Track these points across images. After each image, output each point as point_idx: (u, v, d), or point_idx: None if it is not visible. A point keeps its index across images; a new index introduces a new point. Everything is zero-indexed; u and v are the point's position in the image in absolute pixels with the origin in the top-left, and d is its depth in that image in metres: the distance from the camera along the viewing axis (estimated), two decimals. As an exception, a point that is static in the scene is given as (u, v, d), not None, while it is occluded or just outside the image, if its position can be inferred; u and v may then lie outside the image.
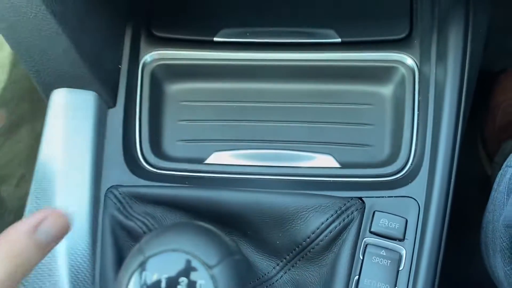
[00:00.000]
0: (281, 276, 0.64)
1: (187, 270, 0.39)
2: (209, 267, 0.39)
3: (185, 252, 0.39)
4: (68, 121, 0.66)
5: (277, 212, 0.62)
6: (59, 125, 0.66)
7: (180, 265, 0.39)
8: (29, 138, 1.27)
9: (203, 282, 0.38)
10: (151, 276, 0.39)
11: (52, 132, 0.66)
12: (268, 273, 0.64)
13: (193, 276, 0.39)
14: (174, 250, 0.39)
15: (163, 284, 0.38)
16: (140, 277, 0.39)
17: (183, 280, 0.38)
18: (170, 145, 0.72)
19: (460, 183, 0.64)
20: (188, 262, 0.39)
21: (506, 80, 1.31)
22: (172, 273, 0.39)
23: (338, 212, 0.61)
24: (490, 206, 0.69)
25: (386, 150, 0.69)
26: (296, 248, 0.62)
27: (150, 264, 0.39)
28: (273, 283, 0.63)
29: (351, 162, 0.68)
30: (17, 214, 1.27)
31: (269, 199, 0.62)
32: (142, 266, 0.39)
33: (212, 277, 0.39)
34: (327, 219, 0.61)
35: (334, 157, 0.68)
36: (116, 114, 0.69)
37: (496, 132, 1.27)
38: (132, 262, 0.40)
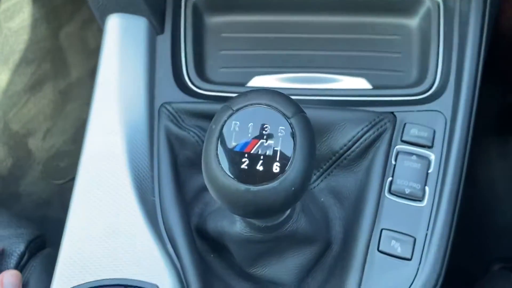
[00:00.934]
0: (318, 184, 0.70)
1: (270, 118, 0.45)
2: (287, 117, 0.45)
3: (266, 105, 0.46)
4: (123, 44, 0.72)
5: (317, 125, 0.68)
6: (114, 49, 0.72)
7: (263, 115, 0.46)
8: (52, 95, 1.33)
9: (284, 128, 0.45)
10: (240, 123, 0.45)
11: (108, 55, 0.72)
12: (307, 181, 0.71)
13: (275, 122, 0.45)
14: (257, 104, 0.45)
15: (250, 129, 0.45)
16: (230, 125, 0.45)
17: (267, 126, 0.45)
18: (213, 71, 0.78)
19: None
20: (270, 113, 0.46)
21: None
22: (258, 121, 0.46)
23: (372, 123, 0.68)
24: None
25: (413, 75, 0.75)
26: (333, 157, 0.69)
27: (239, 114, 0.46)
28: (312, 188, 0.70)
29: (382, 84, 0.74)
30: (45, 164, 1.34)
31: (309, 113, 0.68)
32: (231, 116, 0.46)
33: (291, 124, 0.45)
34: (362, 128, 0.67)
35: (367, 79, 0.74)
36: (164, 40, 0.75)
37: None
38: (222, 114, 0.47)
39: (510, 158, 1.41)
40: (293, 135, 0.46)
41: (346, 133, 0.67)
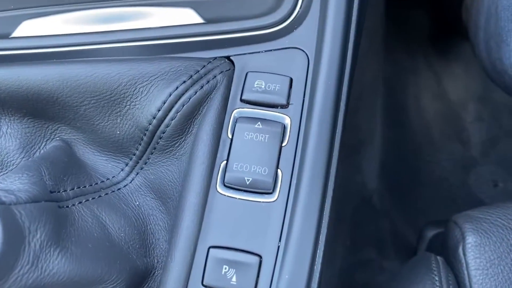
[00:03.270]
0: (132, 179, 0.46)
1: None
2: None
3: None
4: None
5: (106, 88, 0.43)
6: None
7: None
8: None
9: None
10: None
11: None
12: (113, 177, 0.46)
13: None
14: None
15: None
16: None
17: None
18: None
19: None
20: None
21: None
22: None
23: (194, 77, 0.43)
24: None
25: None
26: (143, 137, 0.44)
27: None
28: (119, 188, 0.45)
29: (219, 16, 0.49)
30: None
31: (91, 71, 0.43)
32: None
33: None
34: (177, 87, 0.42)
35: (196, 10, 0.49)
36: None
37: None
38: None
39: (446, 97, 1.21)
40: None
41: (154, 97, 0.43)
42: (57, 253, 0.34)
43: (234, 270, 0.38)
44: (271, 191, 0.40)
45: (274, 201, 0.40)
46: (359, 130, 1.03)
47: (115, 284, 0.39)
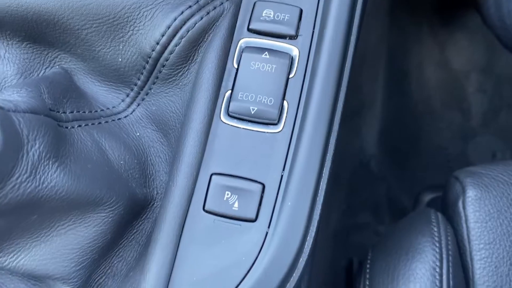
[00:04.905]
0: (133, 110, 0.45)
1: None
2: None
3: None
4: None
5: (110, 11, 0.41)
6: None
7: None
8: None
9: None
10: None
11: None
12: (113, 107, 0.45)
13: None
14: None
15: None
16: None
17: None
18: None
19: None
20: None
21: None
22: None
23: (200, 2, 0.41)
24: None
25: None
26: (146, 65, 0.43)
27: None
28: (120, 118, 0.44)
29: None
30: None
31: None
32: None
33: None
34: (182, 12, 0.41)
35: None
36: None
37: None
38: None
39: (449, 66, 1.19)
40: None
41: (158, 22, 0.41)
42: (55, 167, 0.33)
43: (237, 196, 0.37)
44: (276, 121, 0.39)
45: (279, 131, 0.39)
46: (360, 91, 1.02)
47: (113, 208, 0.38)
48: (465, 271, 0.55)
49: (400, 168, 1.08)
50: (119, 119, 0.45)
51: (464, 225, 0.57)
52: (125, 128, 0.44)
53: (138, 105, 0.45)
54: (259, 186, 0.38)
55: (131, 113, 0.45)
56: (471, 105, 1.14)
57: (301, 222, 0.37)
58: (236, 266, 0.36)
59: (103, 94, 0.46)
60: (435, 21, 1.22)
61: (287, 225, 0.37)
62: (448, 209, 0.60)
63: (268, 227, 0.37)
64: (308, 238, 0.38)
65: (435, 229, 0.56)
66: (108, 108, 0.45)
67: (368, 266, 0.57)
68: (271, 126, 0.39)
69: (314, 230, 0.38)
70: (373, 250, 0.59)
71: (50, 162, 0.33)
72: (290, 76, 0.41)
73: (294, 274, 0.38)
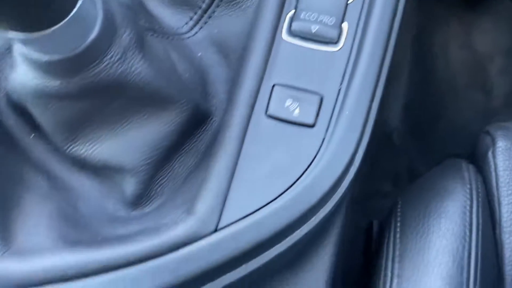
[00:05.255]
0: (196, 33, 0.48)
1: None
2: None
3: None
4: None
5: None
6: None
7: None
8: None
9: None
10: None
11: None
12: (177, 28, 0.48)
13: None
14: None
15: None
16: None
17: None
18: None
19: None
20: None
21: None
22: None
23: None
24: None
25: None
26: (213, -11, 0.46)
27: None
28: (183, 39, 0.47)
29: None
30: None
31: None
32: None
33: None
34: None
35: None
36: None
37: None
38: None
39: (474, 48, 1.22)
40: None
41: None
42: (140, 57, 0.37)
43: (298, 103, 0.40)
44: (336, 40, 0.42)
45: (338, 50, 0.42)
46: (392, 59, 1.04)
47: (183, 109, 0.41)
48: (492, 215, 0.58)
49: (422, 144, 1.11)
50: (182, 39, 0.48)
51: (493, 173, 0.59)
52: (188, 47, 0.47)
53: (201, 28, 0.48)
54: (318, 97, 0.41)
55: (194, 35, 0.48)
56: (494, 86, 1.16)
57: (356, 132, 0.40)
58: (294, 166, 0.39)
59: (168, 17, 0.49)
60: (462, 4, 1.25)
61: (344, 132, 0.40)
62: (478, 160, 0.63)
63: (326, 132, 0.40)
64: (359, 149, 0.41)
65: (466, 174, 0.58)
66: (172, 29, 0.48)
67: (399, 206, 0.60)
68: (331, 44, 0.42)
69: (366, 143, 0.41)
70: (403, 194, 0.62)
71: (137, 51, 0.36)
72: (349, 1, 0.43)
73: (345, 180, 0.41)
